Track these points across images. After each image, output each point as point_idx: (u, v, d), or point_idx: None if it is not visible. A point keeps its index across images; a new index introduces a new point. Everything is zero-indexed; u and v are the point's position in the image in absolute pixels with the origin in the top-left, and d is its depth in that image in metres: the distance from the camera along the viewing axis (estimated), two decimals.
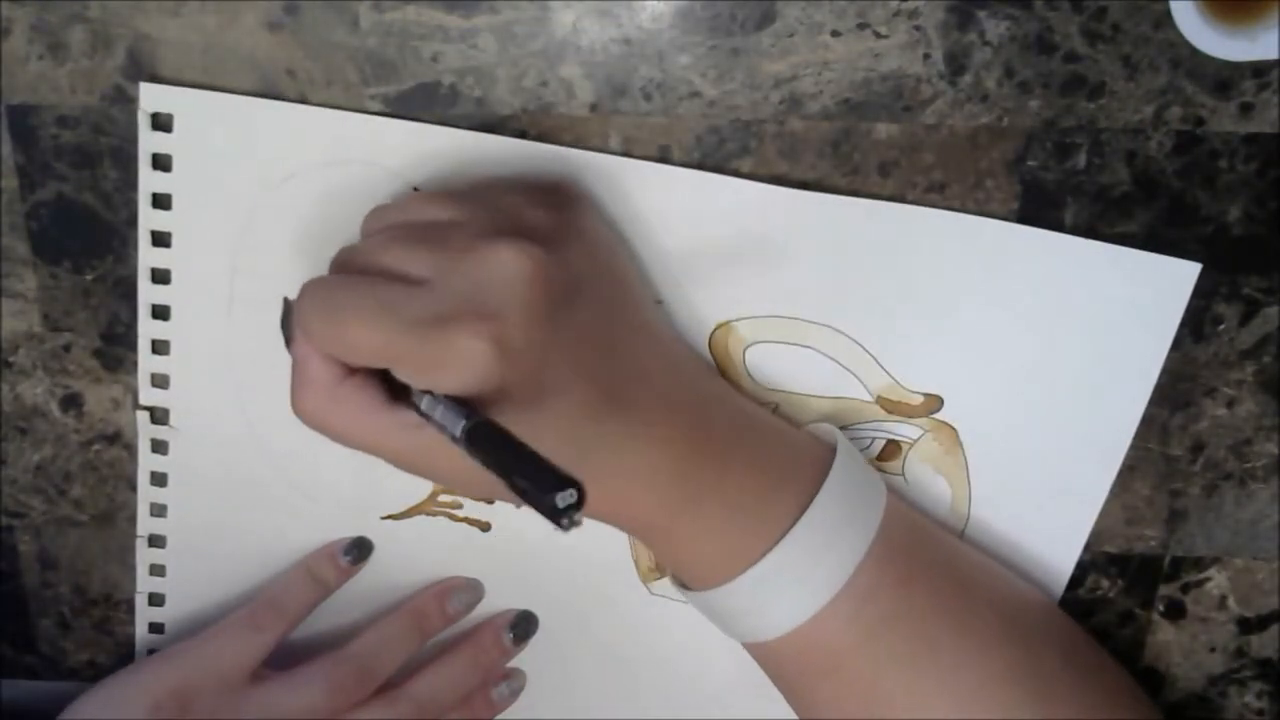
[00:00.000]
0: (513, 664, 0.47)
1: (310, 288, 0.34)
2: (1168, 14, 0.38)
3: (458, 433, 0.31)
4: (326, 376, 0.35)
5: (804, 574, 0.37)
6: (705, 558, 0.38)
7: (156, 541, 0.45)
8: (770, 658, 0.40)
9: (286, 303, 0.37)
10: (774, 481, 0.38)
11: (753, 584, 0.37)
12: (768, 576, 0.37)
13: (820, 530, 0.37)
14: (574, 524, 0.28)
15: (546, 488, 0.28)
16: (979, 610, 0.40)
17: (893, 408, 0.43)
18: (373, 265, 0.35)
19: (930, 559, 0.40)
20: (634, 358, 0.36)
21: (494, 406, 0.33)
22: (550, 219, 0.36)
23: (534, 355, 0.33)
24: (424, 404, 0.33)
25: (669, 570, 0.41)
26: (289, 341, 0.36)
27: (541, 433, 0.33)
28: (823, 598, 0.37)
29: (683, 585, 0.40)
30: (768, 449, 0.38)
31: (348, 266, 0.36)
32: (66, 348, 0.43)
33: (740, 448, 0.38)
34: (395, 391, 0.35)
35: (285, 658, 0.43)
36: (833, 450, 0.39)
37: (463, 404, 0.32)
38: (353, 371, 0.35)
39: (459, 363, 0.32)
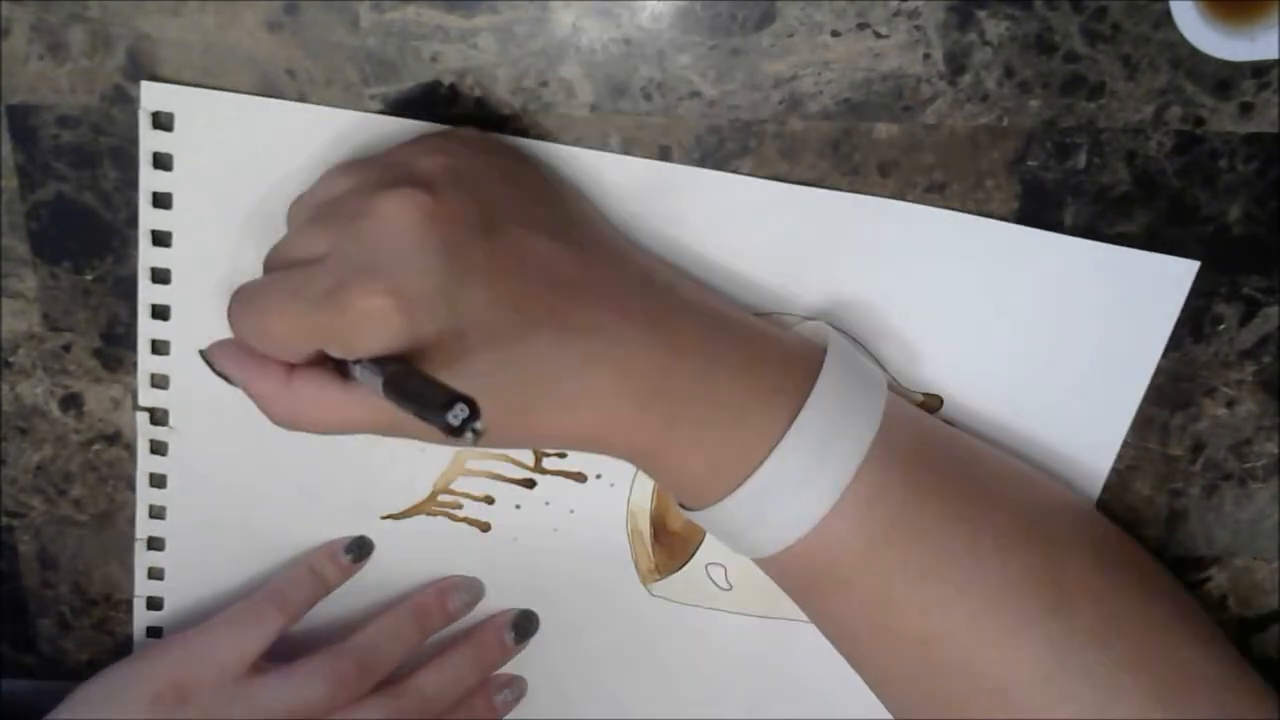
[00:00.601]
0: (513, 664, 0.47)
1: (236, 296, 0.35)
2: (1168, 14, 0.38)
3: (381, 391, 0.32)
4: (274, 383, 0.35)
5: (802, 481, 0.35)
6: (698, 475, 0.37)
7: (155, 544, 0.45)
8: (780, 571, 0.39)
9: (203, 354, 0.38)
10: (761, 387, 0.36)
11: (751, 496, 0.36)
12: (765, 487, 0.35)
13: (815, 434, 0.35)
14: (477, 434, 0.29)
15: (435, 407, 0.29)
16: (996, 513, 0.38)
17: None
18: (289, 257, 0.35)
19: (941, 460, 0.38)
20: (586, 278, 0.35)
21: (423, 359, 0.33)
22: (446, 160, 0.35)
23: (443, 301, 0.33)
24: (357, 373, 0.34)
25: (668, 491, 0.39)
26: (230, 380, 0.37)
27: (481, 374, 0.33)
28: (824, 505, 0.36)
29: (683, 506, 0.39)
30: (752, 354, 0.37)
31: (271, 265, 0.36)
32: (66, 348, 0.43)
33: (720, 356, 0.36)
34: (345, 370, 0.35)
35: (285, 652, 0.43)
36: (824, 350, 0.37)
37: (383, 361, 0.33)
38: (295, 368, 0.35)
39: (365, 325, 0.32)
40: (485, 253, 0.34)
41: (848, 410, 0.36)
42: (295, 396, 0.35)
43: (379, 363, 0.33)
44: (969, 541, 0.37)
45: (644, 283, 0.37)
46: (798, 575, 0.39)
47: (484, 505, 0.45)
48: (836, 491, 0.36)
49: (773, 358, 0.37)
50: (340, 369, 0.35)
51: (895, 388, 0.42)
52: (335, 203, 0.35)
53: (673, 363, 0.35)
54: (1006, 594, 0.37)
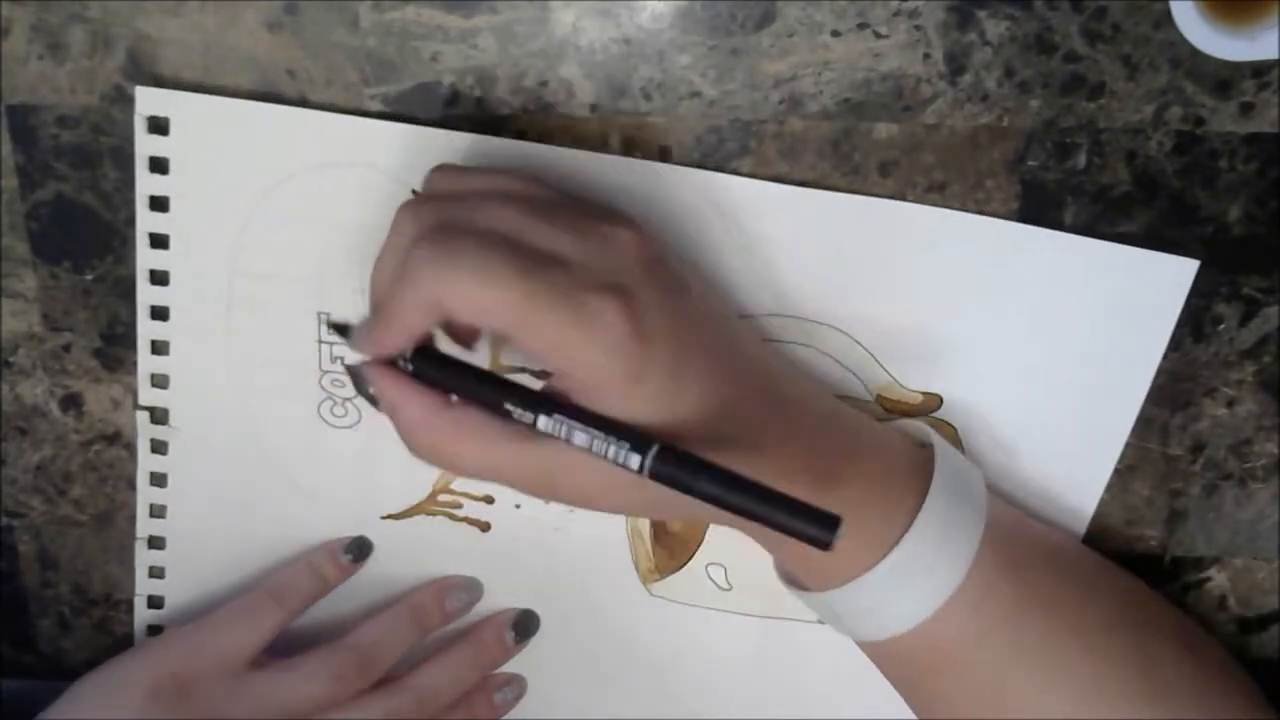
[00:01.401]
0: (513, 664, 0.47)
1: (436, 242, 0.32)
2: (1168, 14, 0.38)
3: (632, 465, 0.31)
4: (428, 409, 0.34)
5: (924, 571, 0.37)
6: (822, 560, 0.37)
7: (156, 543, 0.45)
8: (889, 656, 0.40)
9: (353, 371, 0.39)
10: (886, 481, 0.37)
11: (875, 584, 0.37)
12: (889, 576, 0.36)
13: (936, 526, 0.37)
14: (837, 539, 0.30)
15: (815, 524, 0.30)
16: (1091, 599, 0.39)
17: (892, 406, 0.43)
18: (491, 227, 0.33)
19: (1039, 550, 0.40)
20: (753, 372, 0.36)
21: (630, 392, 0.32)
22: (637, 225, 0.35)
23: (668, 343, 0.33)
24: (545, 424, 0.32)
25: (786, 570, 0.40)
26: (374, 401, 0.37)
27: (679, 431, 0.33)
28: (943, 594, 0.37)
29: (799, 585, 0.40)
30: (875, 447, 0.38)
31: (459, 220, 0.33)
32: (66, 348, 0.43)
33: (851, 450, 0.38)
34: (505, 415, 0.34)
35: (286, 649, 0.43)
36: (929, 445, 0.39)
37: (611, 425, 0.32)
38: (451, 402, 0.34)
39: (596, 330, 0.31)
40: (691, 314, 0.34)
41: (961, 503, 0.38)
42: (453, 426, 0.34)
43: (575, 415, 0.32)
44: (1072, 627, 0.38)
45: (795, 383, 0.38)
46: (907, 661, 0.39)
47: (484, 505, 0.45)
48: (954, 583, 0.37)
49: (891, 451, 0.39)
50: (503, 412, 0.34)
51: (894, 391, 0.42)
52: (548, 205, 0.34)
53: (817, 456, 0.37)
54: (1106, 679, 0.38)
